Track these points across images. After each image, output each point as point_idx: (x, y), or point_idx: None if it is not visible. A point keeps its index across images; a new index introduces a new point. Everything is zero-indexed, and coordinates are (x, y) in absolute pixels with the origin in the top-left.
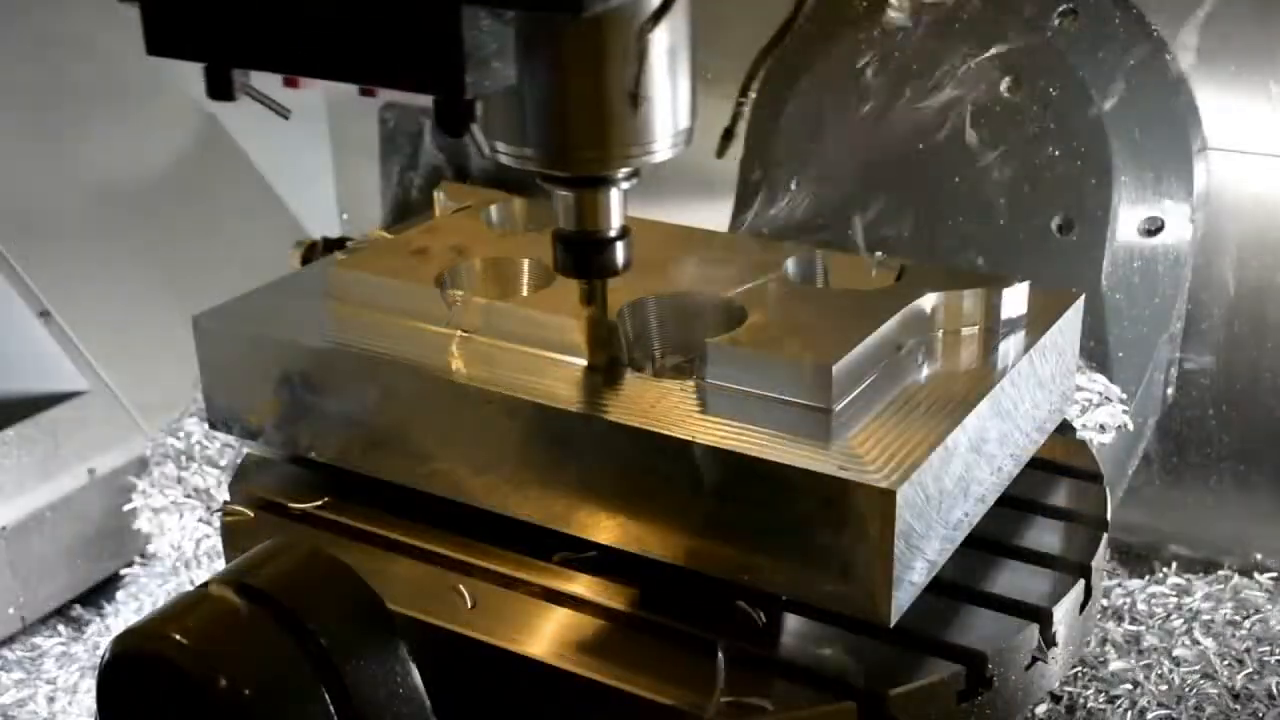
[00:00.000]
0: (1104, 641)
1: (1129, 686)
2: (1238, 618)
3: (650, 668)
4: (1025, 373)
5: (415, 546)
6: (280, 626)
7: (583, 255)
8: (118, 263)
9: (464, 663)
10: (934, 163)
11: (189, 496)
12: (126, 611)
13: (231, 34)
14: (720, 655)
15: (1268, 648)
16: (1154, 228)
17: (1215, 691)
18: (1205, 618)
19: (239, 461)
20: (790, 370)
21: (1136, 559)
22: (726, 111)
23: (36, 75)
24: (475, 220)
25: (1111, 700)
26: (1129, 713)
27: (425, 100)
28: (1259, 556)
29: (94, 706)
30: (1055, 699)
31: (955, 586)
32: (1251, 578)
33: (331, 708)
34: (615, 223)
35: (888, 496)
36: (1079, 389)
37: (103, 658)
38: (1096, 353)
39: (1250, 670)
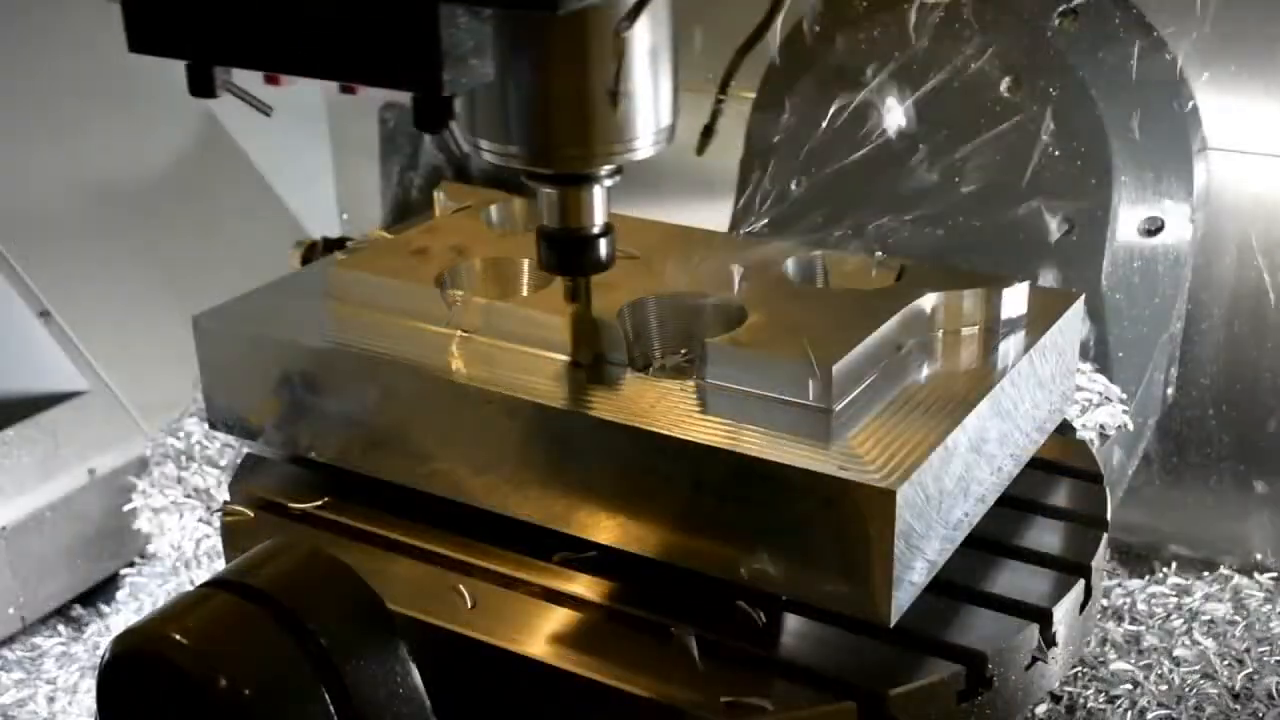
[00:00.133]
0: (1104, 641)
1: (1129, 686)
2: (1238, 618)
3: (650, 667)
4: (1025, 373)
5: (415, 546)
6: (280, 626)
7: (566, 252)
8: (118, 263)
9: (464, 663)
10: (931, 162)
11: (189, 496)
12: (126, 611)
13: (212, 31)
14: (690, 640)
15: (1268, 648)
16: (1154, 228)
17: (1215, 691)
18: (1205, 618)
19: (239, 461)
20: (790, 370)
21: (1136, 559)
22: (727, 112)
23: (36, 75)
24: (475, 220)
25: (1111, 700)
26: (1129, 713)
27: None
28: (1259, 556)
29: (94, 706)
30: (1055, 699)
31: (955, 586)
32: (1251, 578)
33: (331, 708)
34: (599, 220)
35: (888, 496)
36: (1079, 389)
37: (103, 658)
38: (1097, 353)
39: (1250, 670)
